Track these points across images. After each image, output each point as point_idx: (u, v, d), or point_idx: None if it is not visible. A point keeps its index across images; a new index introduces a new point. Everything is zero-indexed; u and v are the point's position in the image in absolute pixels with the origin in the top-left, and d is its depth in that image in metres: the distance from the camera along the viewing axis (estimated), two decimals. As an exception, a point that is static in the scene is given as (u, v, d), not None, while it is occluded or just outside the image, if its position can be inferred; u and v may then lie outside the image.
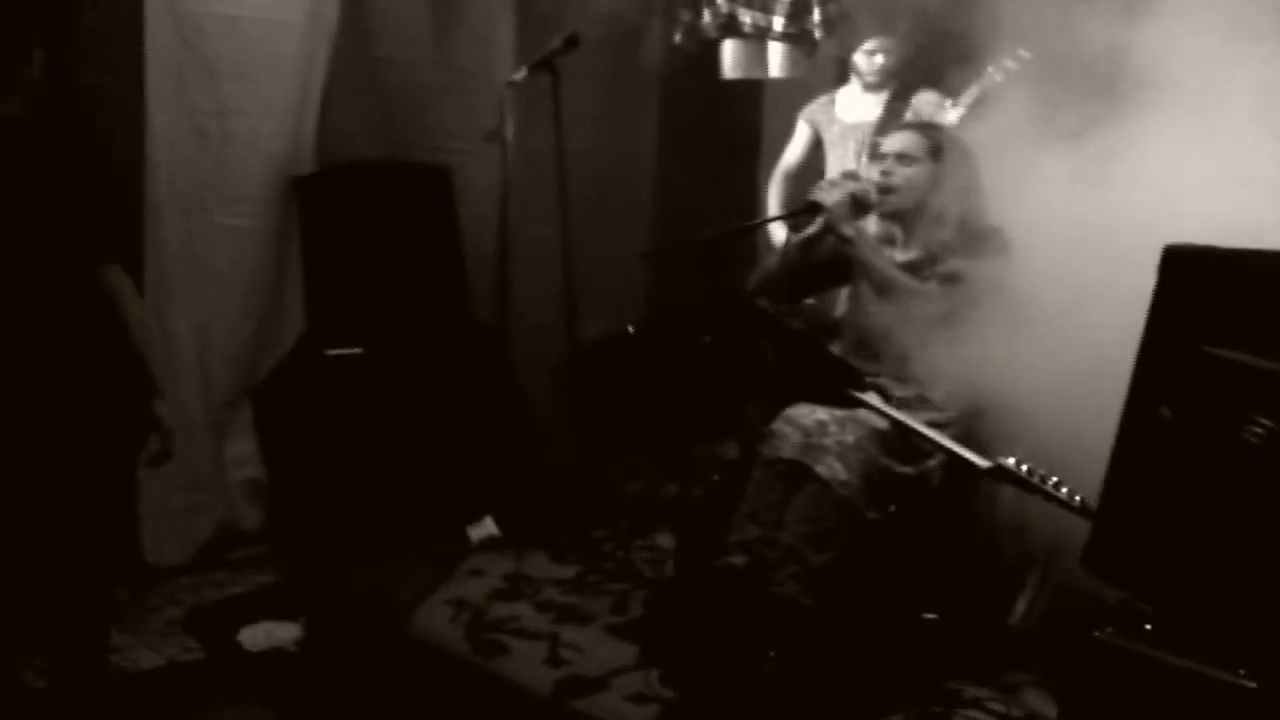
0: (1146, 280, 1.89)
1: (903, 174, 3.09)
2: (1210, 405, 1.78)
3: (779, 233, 4.23)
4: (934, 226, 3.08)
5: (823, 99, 4.32)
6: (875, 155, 3.22)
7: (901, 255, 3.14)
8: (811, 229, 3.26)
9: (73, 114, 3.47)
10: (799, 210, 3.25)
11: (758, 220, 4.31)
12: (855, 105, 4.21)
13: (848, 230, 3.09)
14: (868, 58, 4.11)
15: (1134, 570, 1.85)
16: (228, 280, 3.92)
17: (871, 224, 3.24)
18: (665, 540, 3.77)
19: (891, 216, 3.17)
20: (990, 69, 3.55)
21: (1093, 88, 2.75)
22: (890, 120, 3.98)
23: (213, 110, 3.80)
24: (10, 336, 2.62)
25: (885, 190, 3.11)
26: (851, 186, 3.13)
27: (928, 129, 3.17)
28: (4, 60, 2.65)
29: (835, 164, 4.21)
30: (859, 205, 3.12)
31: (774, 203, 4.43)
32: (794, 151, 4.42)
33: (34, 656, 2.95)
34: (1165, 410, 1.81)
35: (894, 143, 3.16)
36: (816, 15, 4.42)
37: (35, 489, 2.68)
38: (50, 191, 2.65)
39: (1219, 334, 1.79)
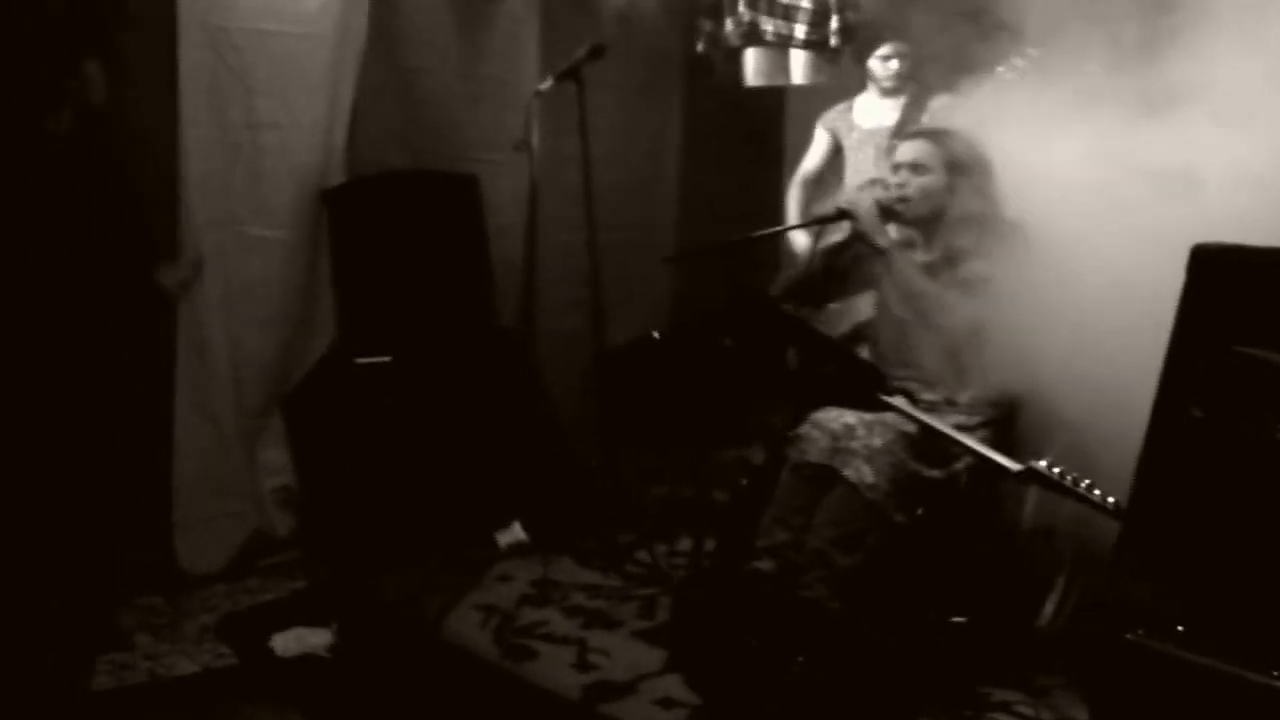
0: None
1: (917, 183, 3.11)
2: (1240, 404, 1.77)
3: (800, 239, 4.25)
4: (955, 232, 3.09)
5: (841, 106, 4.34)
6: (890, 165, 3.22)
7: (923, 256, 3.16)
8: (838, 236, 3.28)
9: (107, 129, 3.53)
10: (827, 218, 3.26)
11: (785, 226, 4.32)
12: (873, 111, 4.23)
13: (881, 241, 3.12)
14: (883, 63, 4.13)
15: (1165, 570, 1.85)
16: (259, 290, 3.96)
17: (891, 229, 3.25)
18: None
19: (910, 223, 3.18)
20: (1000, 69, 3.55)
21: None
22: (907, 124, 3.99)
23: (245, 124, 3.84)
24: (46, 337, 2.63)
25: (901, 200, 3.13)
26: (878, 194, 3.15)
27: (939, 136, 3.17)
28: (51, 75, 2.66)
29: (854, 170, 4.22)
30: (885, 212, 3.14)
31: (793, 208, 4.44)
32: (813, 158, 4.44)
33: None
34: (1195, 409, 1.81)
35: (906, 152, 3.17)
36: (835, 23, 4.43)
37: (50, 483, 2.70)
38: (95, 204, 2.66)
39: (1249, 333, 1.79)
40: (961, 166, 3.09)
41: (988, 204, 3.07)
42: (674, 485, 4.27)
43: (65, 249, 2.65)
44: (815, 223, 3.37)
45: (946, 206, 3.08)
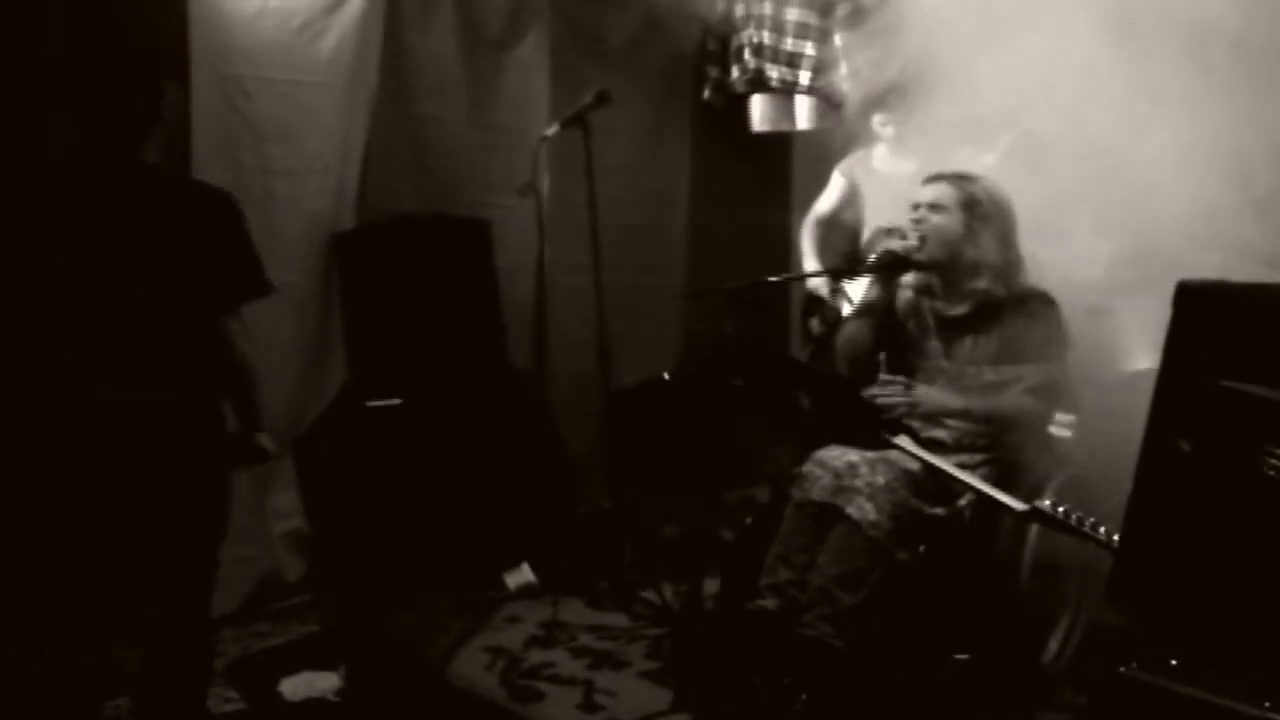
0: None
1: (934, 223, 3.13)
2: (1228, 438, 1.78)
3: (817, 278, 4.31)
4: (971, 276, 3.11)
5: (859, 152, 4.39)
6: (909, 204, 3.24)
7: (943, 306, 3.17)
8: (857, 290, 3.31)
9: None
10: (881, 264, 3.28)
11: (811, 272, 4.36)
12: (889, 158, 4.27)
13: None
14: (881, 128, 4.20)
15: (1156, 603, 1.85)
16: (271, 334, 3.98)
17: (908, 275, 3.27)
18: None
19: (928, 267, 3.19)
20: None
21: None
22: (926, 171, 4.02)
23: (257, 170, 3.89)
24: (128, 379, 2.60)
25: (920, 239, 3.14)
26: (895, 244, 3.17)
27: (960, 180, 3.20)
28: (146, 103, 2.64)
29: (874, 215, 4.26)
30: (900, 261, 3.16)
31: (808, 247, 4.49)
32: (827, 200, 4.49)
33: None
34: (1184, 443, 1.82)
35: (927, 192, 3.19)
36: (842, 70, 4.50)
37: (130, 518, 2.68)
38: (187, 239, 2.64)
39: (1235, 367, 1.80)
40: (981, 211, 3.11)
41: (1007, 252, 3.10)
42: (684, 525, 4.28)
43: (74, 290, 2.65)
44: (841, 272, 3.39)
45: (963, 250, 3.10)
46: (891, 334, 3.28)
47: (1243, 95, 2.86)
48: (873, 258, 3.23)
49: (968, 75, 3.34)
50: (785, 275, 4.39)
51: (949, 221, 3.11)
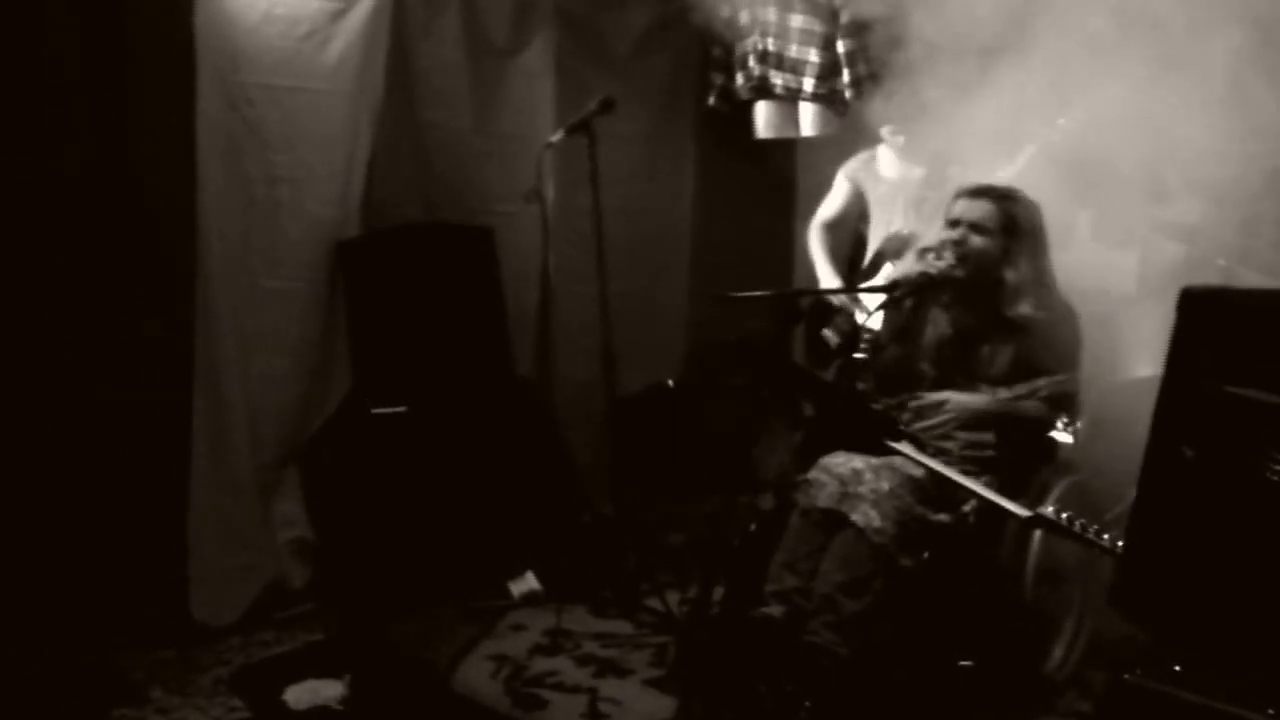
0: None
1: (974, 245, 3.12)
2: (1232, 444, 1.78)
3: (834, 283, 4.31)
4: (1012, 300, 3.10)
5: (863, 156, 4.39)
6: (948, 219, 3.19)
7: (965, 318, 3.18)
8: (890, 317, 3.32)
9: (126, 183, 3.60)
10: (881, 287, 3.28)
11: (846, 288, 4.34)
12: (896, 163, 4.27)
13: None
14: (891, 136, 4.20)
15: (1160, 609, 1.85)
16: (276, 343, 3.98)
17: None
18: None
19: (962, 286, 3.18)
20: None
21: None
22: (935, 176, 4.01)
23: (261, 178, 3.89)
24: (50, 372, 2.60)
25: (960, 259, 3.13)
26: (932, 267, 3.15)
27: (1004, 200, 3.15)
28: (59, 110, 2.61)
29: (881, 220, 4.26)
30: (933, 282, 3.15)
31: (818, 253, 4.48)
32: (833, 204, 4.49)
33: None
34: (1187, 449, 1.82)
35: (971, 210, 3.15)
36: (846, 76, 4.50)
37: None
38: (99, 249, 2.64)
39: (1239, 373, 1.80)
40: (1019, 233, 3.10)
41: (1040, 271, 3.11)
42: (690, 532, 4.27)
43: (79, 297, 2.66)
44: (870, 289, 3.39)
45: (1001, 273, 3.10)
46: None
47: (1247, 98, 2.85)
48: (903, 272, 3.21)
49: (976, 82, 3.34)
50: (823, 290, 4.37)
51: (989, 245, 3.10)
